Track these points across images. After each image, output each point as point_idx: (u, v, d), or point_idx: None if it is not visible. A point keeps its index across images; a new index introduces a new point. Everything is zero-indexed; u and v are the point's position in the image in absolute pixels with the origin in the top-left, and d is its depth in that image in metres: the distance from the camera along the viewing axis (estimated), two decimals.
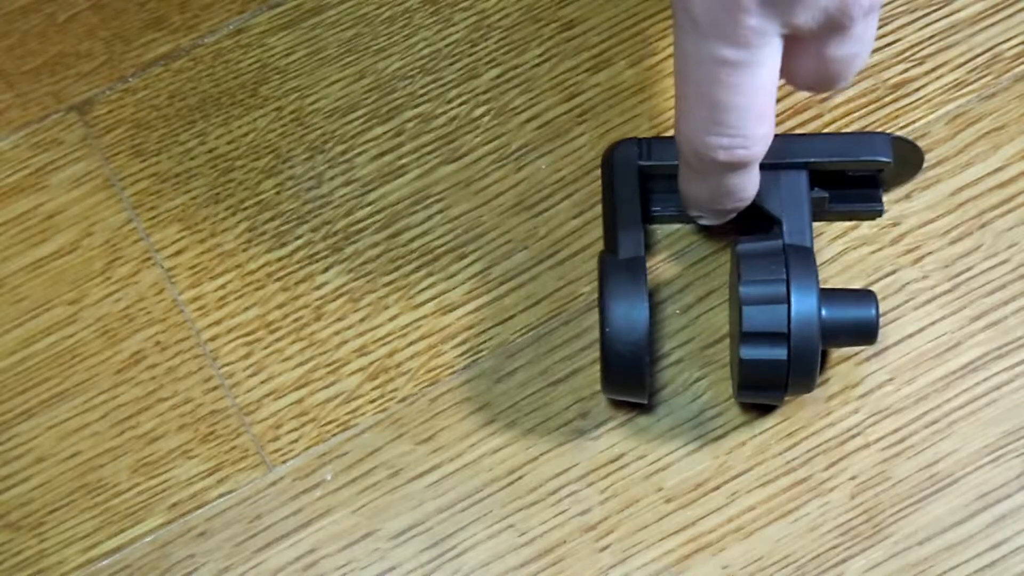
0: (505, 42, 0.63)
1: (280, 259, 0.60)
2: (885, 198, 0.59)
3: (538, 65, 0.62)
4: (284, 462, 0.57)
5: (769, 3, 0.44)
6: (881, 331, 0.56)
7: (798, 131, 0.60)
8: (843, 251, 0.58)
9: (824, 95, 0.60)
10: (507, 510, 0.56)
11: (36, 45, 0.64)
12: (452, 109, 0.62)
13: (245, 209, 0.61)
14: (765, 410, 0.57)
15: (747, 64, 0.45)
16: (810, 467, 0.56)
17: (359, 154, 0.62)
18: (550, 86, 0.62)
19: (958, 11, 0.62)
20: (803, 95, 0.61)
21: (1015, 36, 0.61)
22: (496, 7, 0.63)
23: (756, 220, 0.55)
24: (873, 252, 0.58)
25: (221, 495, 0.57)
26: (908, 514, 0.55)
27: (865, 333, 0.53)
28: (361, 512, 0.57)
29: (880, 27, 0.61)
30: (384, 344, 0.59)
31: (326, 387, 0.58)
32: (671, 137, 0.52)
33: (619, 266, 0.53)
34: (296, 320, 0.59)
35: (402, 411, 0.58)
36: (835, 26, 0.45)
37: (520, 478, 0.57)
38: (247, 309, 0.59)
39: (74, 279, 0.60)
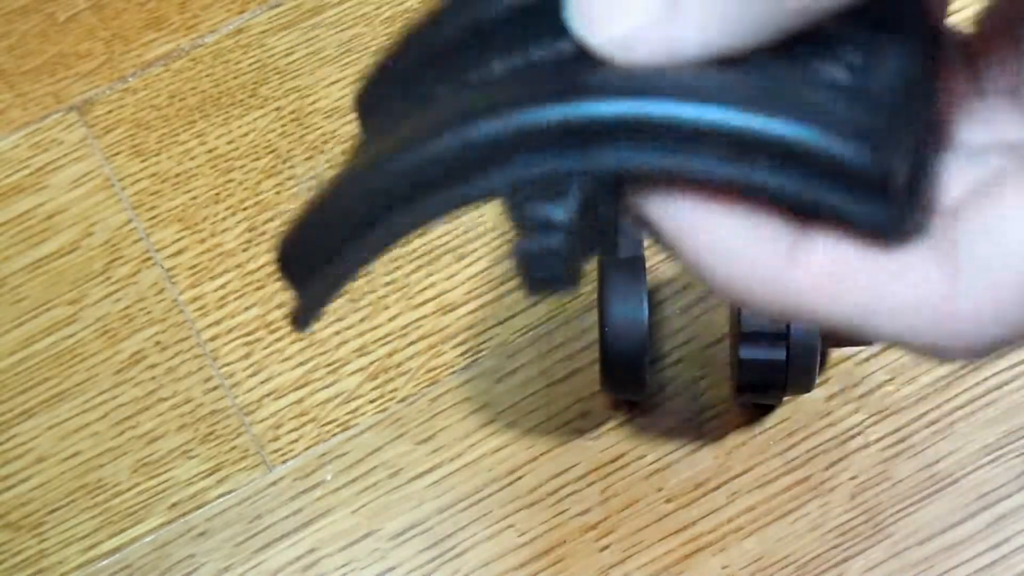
0: None
1: None
2: None
3: None
4: (284, 462, 0.57)
5: None
6: None
7: None
8: None
9: None
10: (507, 510, 0.56)
11: (36, 45, 0.64)
12: None
13: (245, 209, 0.61)
14: (765, 410, 0.57)
15: None
16: (810, 467, 0.56)
17: None
18: None
19: None
20: None
21: None
22: None
23: None
24: None
25: (221, 495, 0.57)
26: (908, 514, 0.55)
27: None
28: (361, 512, 0.57)
29: None
30: (384, 344, 0.59)
31: (326, 387, 0.58)
32: None
33: (619, 266, 0.53)
34: None
35: (402, 411, 0.58)
36: None
37: (520, 478, 0.57)
38: (247, 309, 0.59)
39: (74, 279, 0.60)
